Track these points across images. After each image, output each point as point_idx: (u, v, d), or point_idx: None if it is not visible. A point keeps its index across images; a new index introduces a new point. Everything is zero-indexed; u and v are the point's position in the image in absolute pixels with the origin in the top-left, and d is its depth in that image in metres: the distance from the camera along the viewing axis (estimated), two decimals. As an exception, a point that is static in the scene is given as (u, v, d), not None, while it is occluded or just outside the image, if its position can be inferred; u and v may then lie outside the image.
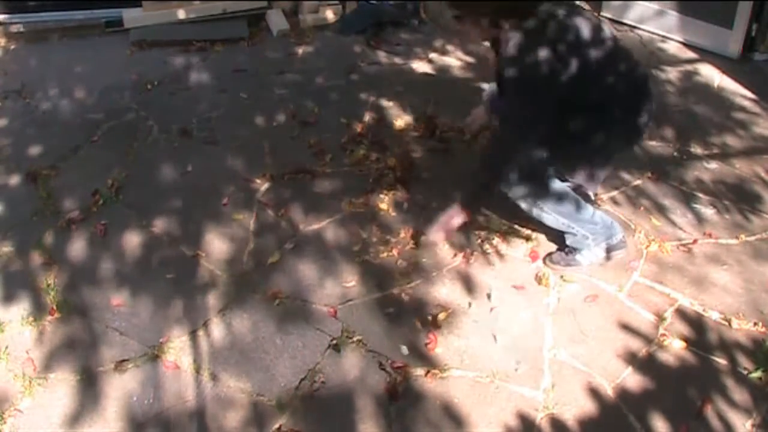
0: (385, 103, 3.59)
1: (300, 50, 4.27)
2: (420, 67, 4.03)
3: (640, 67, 2.31)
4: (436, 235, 2.44)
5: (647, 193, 2.93)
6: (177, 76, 3.90)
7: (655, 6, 4.49)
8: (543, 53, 2.01)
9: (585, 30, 2.08)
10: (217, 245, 2.60)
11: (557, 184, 2.34)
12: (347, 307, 2.33)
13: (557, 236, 2.57)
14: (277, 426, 1.94)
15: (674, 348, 2.20)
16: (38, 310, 2.31)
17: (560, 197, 2.34)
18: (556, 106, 2.10)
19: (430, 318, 2.28)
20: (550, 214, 2.36)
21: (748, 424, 1.96)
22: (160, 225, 2.70)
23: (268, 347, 2.19)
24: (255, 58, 4.14)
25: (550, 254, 2.53)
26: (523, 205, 2.36)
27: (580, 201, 2.39)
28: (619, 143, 2.37)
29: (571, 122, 2.19)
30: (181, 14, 4.41)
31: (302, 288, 2.41)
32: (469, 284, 2.43)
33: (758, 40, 4.11)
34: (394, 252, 2.56)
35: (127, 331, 2.23)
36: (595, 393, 2.05)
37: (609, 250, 2.46)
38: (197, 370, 2.10)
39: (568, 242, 2.47)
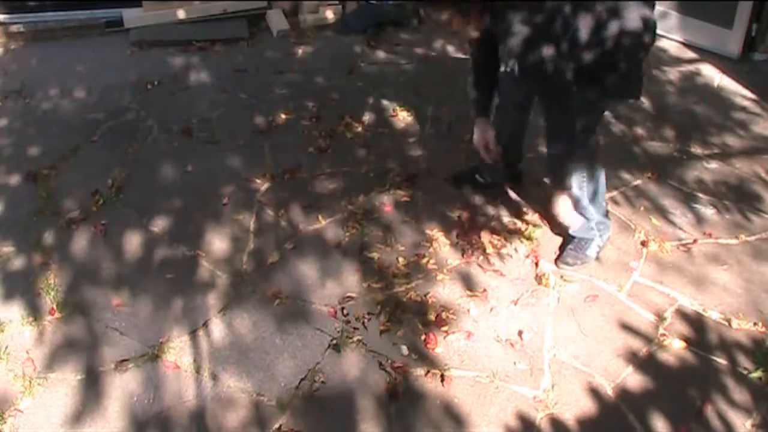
0: (385, 103, 3.59)
1: (300, 50, 4.27)
2: (420, 66, 4.03)
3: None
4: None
5: (647, 193, 2.92)
6: (177, 76, 3.90)
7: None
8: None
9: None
10: (217, 245, 2.60)
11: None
12: (347, 307, 2.33)
13: (556, 236, 2.58)
14: (277, 426, 1.94)
15: (674, 348, 2.20)
16: (38, 310, 2.31)
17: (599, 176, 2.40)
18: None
19: (430, 318, 2.28)
20: (583, 195, 2.38)
21: (748, 424, 1.96)
22: (160, 225, 2.70)
23: (268, 347, 2.19)
24: (255, 58, 4.14)
25: (559, 256, 2.51)
26: (577, 178, 2.35)
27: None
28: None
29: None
30: (181, 14, 4.41)
31: (302, 288, 2.41)
32: (469, 284, 2.43)
33: (758, 40, 4.10)
34: (394, 252, 2.56)
35: (127, 331, 2.23)
36: (595, 393, 2.05)
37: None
38: (197, 370, 2.11)
39: (574, 231, 2.47)
